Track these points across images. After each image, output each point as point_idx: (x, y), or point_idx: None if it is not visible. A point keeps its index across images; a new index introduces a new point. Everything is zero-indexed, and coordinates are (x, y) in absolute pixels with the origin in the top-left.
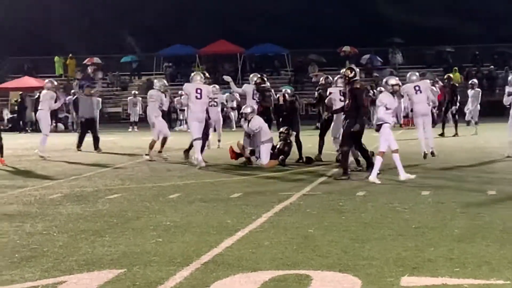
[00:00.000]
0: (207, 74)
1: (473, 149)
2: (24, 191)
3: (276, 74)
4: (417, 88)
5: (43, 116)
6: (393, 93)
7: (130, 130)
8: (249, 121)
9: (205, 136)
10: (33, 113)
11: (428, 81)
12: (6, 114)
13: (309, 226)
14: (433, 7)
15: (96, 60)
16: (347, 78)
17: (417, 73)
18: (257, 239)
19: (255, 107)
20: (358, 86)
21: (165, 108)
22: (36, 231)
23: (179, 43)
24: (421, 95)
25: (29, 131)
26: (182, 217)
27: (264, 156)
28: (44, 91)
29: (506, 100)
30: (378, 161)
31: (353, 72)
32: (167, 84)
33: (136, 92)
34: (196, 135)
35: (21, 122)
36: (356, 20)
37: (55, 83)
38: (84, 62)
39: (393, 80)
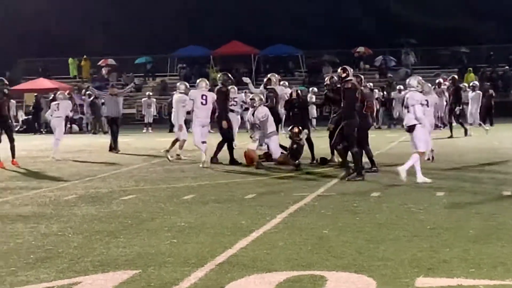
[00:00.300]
0: (230, 75)
1: (487, 150)
2: (39, 192)
3: (290, 75)
4: (424, 102)
5: (58, 124)
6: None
7: (144, 131)
8: (255, 109)
9: (231, 137)
10: (47, 115)
11: (436, 96)
12: (21, 116)
13: (323, 227)
14: (448, 7)
15: (111, 61)
16: (340, 78)
17: (429, 84)
18: (272, 240)
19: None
20: (349, 86)
21: (189, 108)
22: (51, 232)
23: (193, 44)
24: (429, 109)
25: (44, 132)
26: (197, 218)
27: (274, 150)
28: (60, 101)
29: None
30: (415, 159)
31: (346, 72)
32: (188, 86)
33: (151, 93)
34: (198, 138)
35: (36, 124)
36: (370, 20)
37: (66, 94)
38: (99, 63)
39: (418, 78)
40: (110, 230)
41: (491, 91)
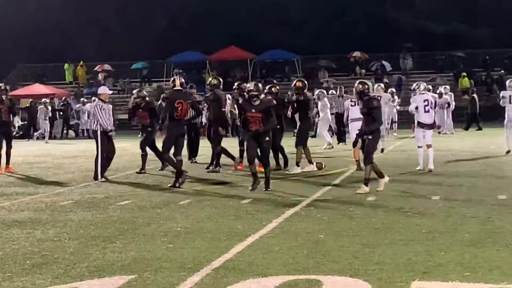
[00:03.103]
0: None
1: (484, 154)
2: (35, 198)
3: (286, 80)
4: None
5: None
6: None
7: (139, 136)
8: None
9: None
10: (45, 121)
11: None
12: (17, 121)
13: (319, 231)
14: (444, 12)
15: (107, 67)
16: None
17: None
18: (268, 244)
19: None
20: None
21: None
22: (47, 237)
23: (189, 49)
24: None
25: (38, 138)
26: (193, 223)
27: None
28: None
29: (503, 102)
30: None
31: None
32: None
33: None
34: None
35: (31, 130)
36: (367, 25)
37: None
38: (95, 69)
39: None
40: (106, 235)
41: (474, 95)
